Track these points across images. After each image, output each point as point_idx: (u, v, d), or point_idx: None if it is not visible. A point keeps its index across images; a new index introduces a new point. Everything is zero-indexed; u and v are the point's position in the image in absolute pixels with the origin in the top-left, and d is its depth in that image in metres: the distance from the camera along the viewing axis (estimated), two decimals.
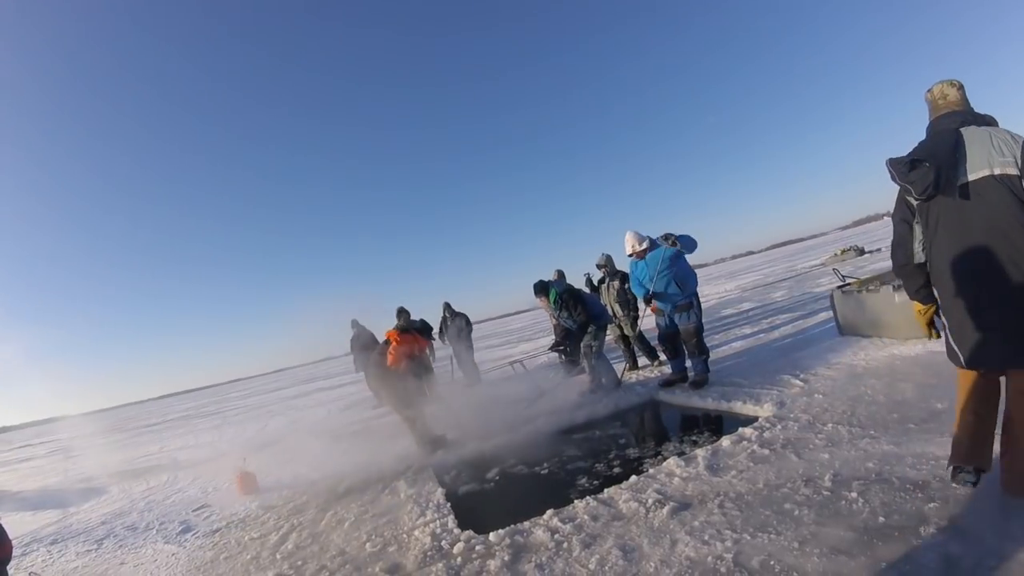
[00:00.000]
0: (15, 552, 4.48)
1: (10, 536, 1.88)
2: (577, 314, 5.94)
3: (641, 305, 6.30)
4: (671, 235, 5.13)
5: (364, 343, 8.98)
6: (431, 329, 8.17)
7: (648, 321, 6.28)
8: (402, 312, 9.11)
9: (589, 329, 6.05)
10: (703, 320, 5.41)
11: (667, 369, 5.60)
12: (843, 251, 21.11)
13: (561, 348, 6.29)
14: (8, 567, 1.86)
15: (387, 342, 5.59)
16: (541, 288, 6.16)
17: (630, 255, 5.58)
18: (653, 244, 5.39)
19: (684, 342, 5.45)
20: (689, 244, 5.17)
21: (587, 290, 7.30)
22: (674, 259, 5.28)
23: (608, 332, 7.46)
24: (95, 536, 4.87)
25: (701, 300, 5.58)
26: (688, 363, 5.61)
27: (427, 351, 5.82)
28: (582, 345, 6.16)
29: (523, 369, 8.23)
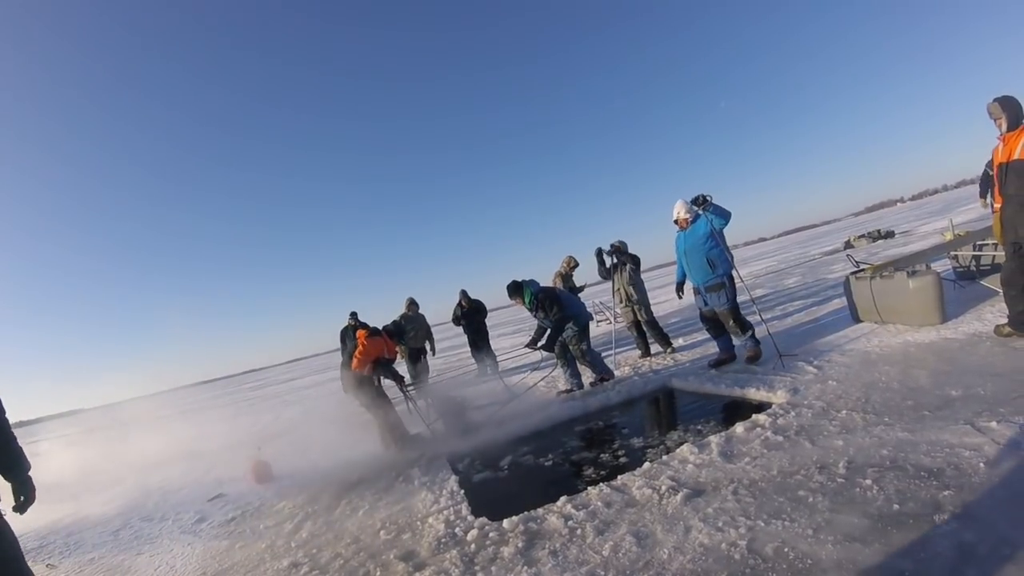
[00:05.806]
0: (32, 545, 4.53)
1: (26, 529, 1.92)
2: (553, 314, 5.78)
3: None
4: (704, 197, 5.20)
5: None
6: (403, 332, 8.09)
7: (663, 307, 6.22)
8: (353, 316, 8.62)
9: (571, 328, 5.92)
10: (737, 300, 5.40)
11: (681, 356, 5.59)
12: (867, 235, 20.69)
13: (539, 347, 6.03)
14: (26, 559, 1.88)
15: (356, 344, 5.55)
16: (515, 289, 5.98)
17: (675, 221, 5.59)
18: (698, 217, 5.40)
19: (723, 324, 5.48)
20: (721, 214, 5.22)
21: (597, 263, 7.03)
22: (707, 237, 5.29)
23: (621, 318, 7.34)
24: (111, 527, 4.91)
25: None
26: (736, 342, 5.61)
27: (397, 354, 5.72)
28: (571, 350, 6.04)
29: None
